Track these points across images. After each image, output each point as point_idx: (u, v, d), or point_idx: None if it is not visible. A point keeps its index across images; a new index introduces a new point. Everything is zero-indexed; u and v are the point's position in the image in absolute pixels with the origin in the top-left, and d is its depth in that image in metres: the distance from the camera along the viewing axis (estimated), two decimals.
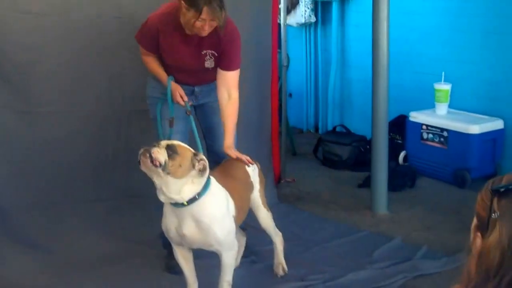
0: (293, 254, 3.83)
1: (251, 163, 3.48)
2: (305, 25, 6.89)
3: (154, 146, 2.93)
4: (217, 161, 3.61)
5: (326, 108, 6.93)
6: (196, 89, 3.68)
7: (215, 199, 3.08)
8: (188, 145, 3.12)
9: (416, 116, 5.54)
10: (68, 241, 3.91)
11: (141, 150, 2.93)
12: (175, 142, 3.06)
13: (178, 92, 3.54)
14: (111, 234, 4.04)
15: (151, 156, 2.88)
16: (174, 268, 3.61)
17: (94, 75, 4.07)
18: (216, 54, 3.50)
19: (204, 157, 3.05)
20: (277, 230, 3.66)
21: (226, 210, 3.13)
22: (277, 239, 3.66)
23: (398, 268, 3.70)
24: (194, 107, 3.74)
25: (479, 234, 1.56)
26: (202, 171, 2.98)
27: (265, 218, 3.59)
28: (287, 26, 5.87)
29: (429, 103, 5.59)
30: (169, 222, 3.11)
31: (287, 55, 5.68)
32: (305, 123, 7.16)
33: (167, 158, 2.90)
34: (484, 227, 1.54)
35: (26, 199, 3.95)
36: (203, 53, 3.48)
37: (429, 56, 5.87)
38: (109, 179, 4.18)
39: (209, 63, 3.53)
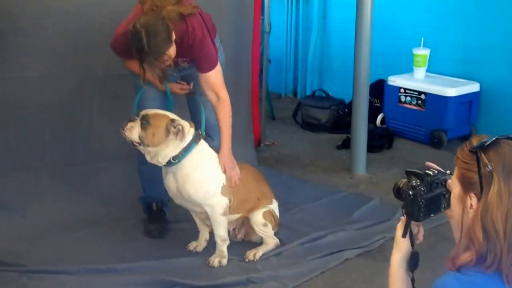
0: None
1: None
2: None
3: (129, 121, 3.15)
4: (206, 130, 3.52)
5: (305, 73, 6.94)
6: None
7: (195, 163, 3.22)
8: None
9: (395, 80, 5.61)
10: (46, 205, 3.87)
11: (120, 129, 3.19)
12: (151, 111, 3.19)
13: (176, 88, 3.52)
14: (89, 198, 4.02)
15: None
16: (153, 233, 3.66)
17: (68, 41, 3.99)
18: (188, 60, 3.38)
19: (182, 122, 3.15)
20: (275, 238, 3.55)
21: (207, 174, 3.26)
22: (271, 241, 3.52)
23: (378, 228, 3.73)
24: (179, 78, 3.64)
25: (472, 195, 1.56)
26: (176, 134, 3.11)
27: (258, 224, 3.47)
28: None
29: (407, 68, 5.65)
30: (166, 180, 3.31)
31: (270, 22, 5.67)
32: (284, 88, 7.16)
33: (140, 130, 3.11)
34: (476, 187, 1.54)
35: (1, 164, 3.90)
36: (175, 60, 3.28)
37: (408, 22, 5.93)
38: (85, 142, 4.14)
39: (184, 65, 3.42)
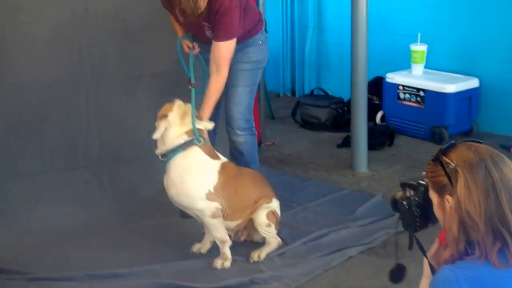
0: None
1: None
2: None
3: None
4: (227, 124, 3.78)
5: (302, 71, 6.92)
6: None
7: (179, 168, 3.26)
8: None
9: (393, 77, 5.59)
10: (48, 211, 3.86)
11: None
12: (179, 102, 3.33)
13: (185, 44, 3.63)
14: (91, 203, 4.02)
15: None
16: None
17: (63, 45, 4.01)
18: (211, 26, 3.50)
19: (166, 114, 3.25)
20: (277, 237, 3.54)
21: (190, 180, 3.25)
22: (274, 240, 3.52)
23: (380, 224, 3.73)
24: None
25: (447, 196, 1.68)
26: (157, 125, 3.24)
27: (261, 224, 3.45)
28: None
29: (405, 64, 5.64)
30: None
31: (265, 20, 5.66)
32: (282, 88, 7.15)
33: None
34: (448, 187, 1.68)
35: (2, 170, 3.90)
36: (202, 23, 3.50)
37: (405, 18, 5.91)
38: (85, 147, 4.15)
39: (208, 33, 3.55)
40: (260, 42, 3.75)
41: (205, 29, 3.54)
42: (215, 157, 3.37)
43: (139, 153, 4.18)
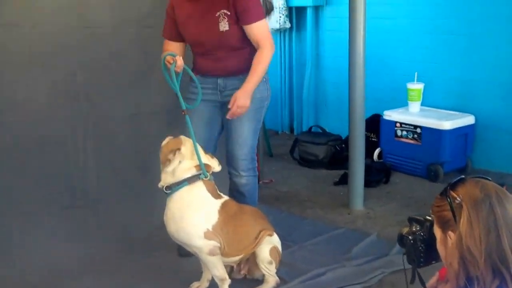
0: None
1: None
2: (280, 31, 6.96)
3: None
4: (229, 165, 3.75)
5: (301, 109, 7.01)
6: (220, 81, 3.67)
7: (180, 202, 3.26)
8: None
9: (390, 115, 5.66)
10: (47, 249, 3.85)
11: None
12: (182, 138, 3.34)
13: (167, 62, 3.47)
14: (90, 240, 4.02)
15: None
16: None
17: (59, 82, 4.04)
18: (229, 13, 3.49)
19: (179, 147, 3.26)
20: (276, 275, 3.52)
21: (190, 217, 3.24)
22: (273, 279, 3.51)
23: (376, 264, 3.74)
24: (220, 103, 3.73)
25: (450, 232, 1.69)
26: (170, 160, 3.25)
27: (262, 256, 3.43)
28: None
29: (402, 102, 5.72)
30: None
31: None
32: (280, 125, 7.22)
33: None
34: (452, 223, 1.69)
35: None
36: (216, 15, 3.50)
37: (402, 57, 6.03)
38: (83, 185, 4.17)
39: (223, 25, 3.51)
40: (264, 79, 3.71)
41: (219, 20, 3.51)
42: (217, 196, 3.35)
43: (136, 190, 4.21)
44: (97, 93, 4.15)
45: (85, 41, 4.05)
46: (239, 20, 3.52)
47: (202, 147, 3.38)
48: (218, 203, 3.33)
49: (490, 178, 1.76)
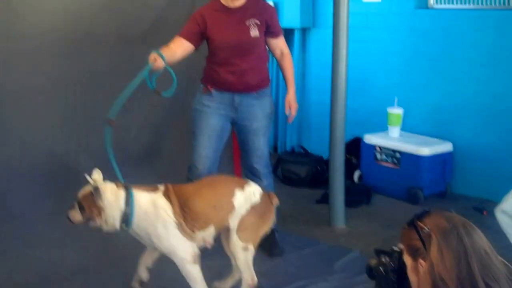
0: (254, 268, 3.82)
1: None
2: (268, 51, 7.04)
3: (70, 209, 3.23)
4: (250, 173, 4.02)
5: (284, 130, 7.11)
6: (236, 98, 3.88)
7: (144, 216, 3.21)
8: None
9: (370, 138, 5.77)
10: (38, 254, 3.90)
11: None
12: (80, 194, 3.25)
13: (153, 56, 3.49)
14: (83, 246, 4.05)
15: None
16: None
17: (55, 91, 4.15)
18: (259, 23, 3.81)
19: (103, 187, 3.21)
20: (253, 273, 3.44)
21: (158, 225, 3.22)
22: (248, 279, 3.43)
23: (358, 279, 3.80)
24: (232, 119, 3.96)
25: (421, 260, 1.77)
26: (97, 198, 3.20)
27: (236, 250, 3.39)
28: None
29: (382, 126, 5.83)
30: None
31: None
32: None
33: (80, 217, 3.22)
34: (422, 251, 1.77)
35: None
36: (247, 24, 3.82)
37: (383, 82, 6.14)
38: (74, 190, 4.22)
39: (253, 32, 3.83)
40: (270, 94, 4.10)
41: (250, 28, 3.82)
42: (153, 190, 3.27)
43: None
44: (90, 96, 4.23)
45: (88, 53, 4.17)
46: (271, 32, 3.90)
47: (210, 157, 3.65)
48: (159, 195, 3.25)
49: (454, 211, 1.85)
